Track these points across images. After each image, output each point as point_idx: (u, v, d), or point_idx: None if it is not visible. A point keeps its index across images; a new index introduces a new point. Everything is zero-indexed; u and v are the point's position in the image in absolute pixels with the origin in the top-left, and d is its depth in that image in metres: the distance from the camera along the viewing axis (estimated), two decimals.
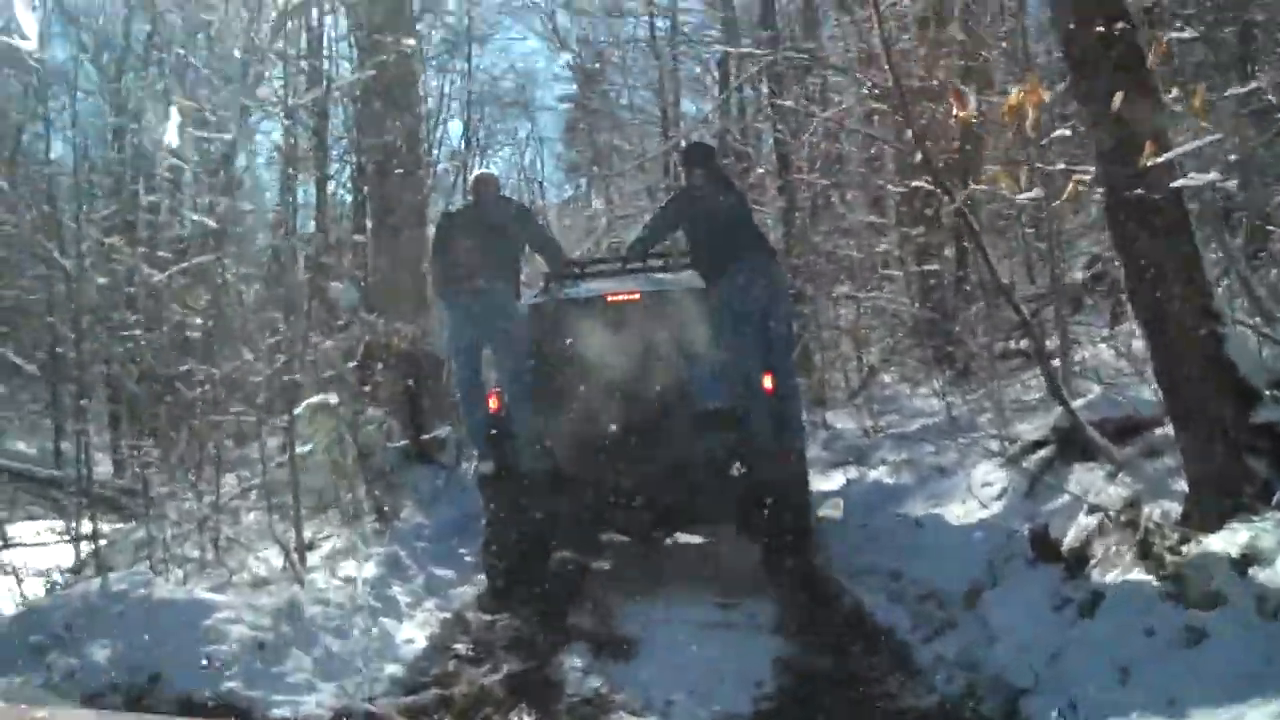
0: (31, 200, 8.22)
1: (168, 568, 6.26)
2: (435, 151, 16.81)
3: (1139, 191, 4.38)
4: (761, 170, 15.10)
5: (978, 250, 7.19)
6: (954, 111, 5.18)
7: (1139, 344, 5.91)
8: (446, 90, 16.49)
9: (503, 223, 7.00)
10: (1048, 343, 8.13)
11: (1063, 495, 5.79)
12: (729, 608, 6.14)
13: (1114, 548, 4.64)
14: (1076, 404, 6.25)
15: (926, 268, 11.75)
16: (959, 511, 7.17)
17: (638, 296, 6.91)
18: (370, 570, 6.33)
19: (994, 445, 7.64)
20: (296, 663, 4.87)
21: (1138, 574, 4.30)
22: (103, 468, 11.38)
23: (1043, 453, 6.49)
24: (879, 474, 9.28)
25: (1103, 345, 8.59)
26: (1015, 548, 5.38)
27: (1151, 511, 4.67)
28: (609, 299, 6.91)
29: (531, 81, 22.74)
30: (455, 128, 21.65)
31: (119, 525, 7.98)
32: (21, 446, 13.40)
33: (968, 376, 10.47)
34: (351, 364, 7.94)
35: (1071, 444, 6.17)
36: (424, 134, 12.11)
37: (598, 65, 20.05)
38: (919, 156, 6.45)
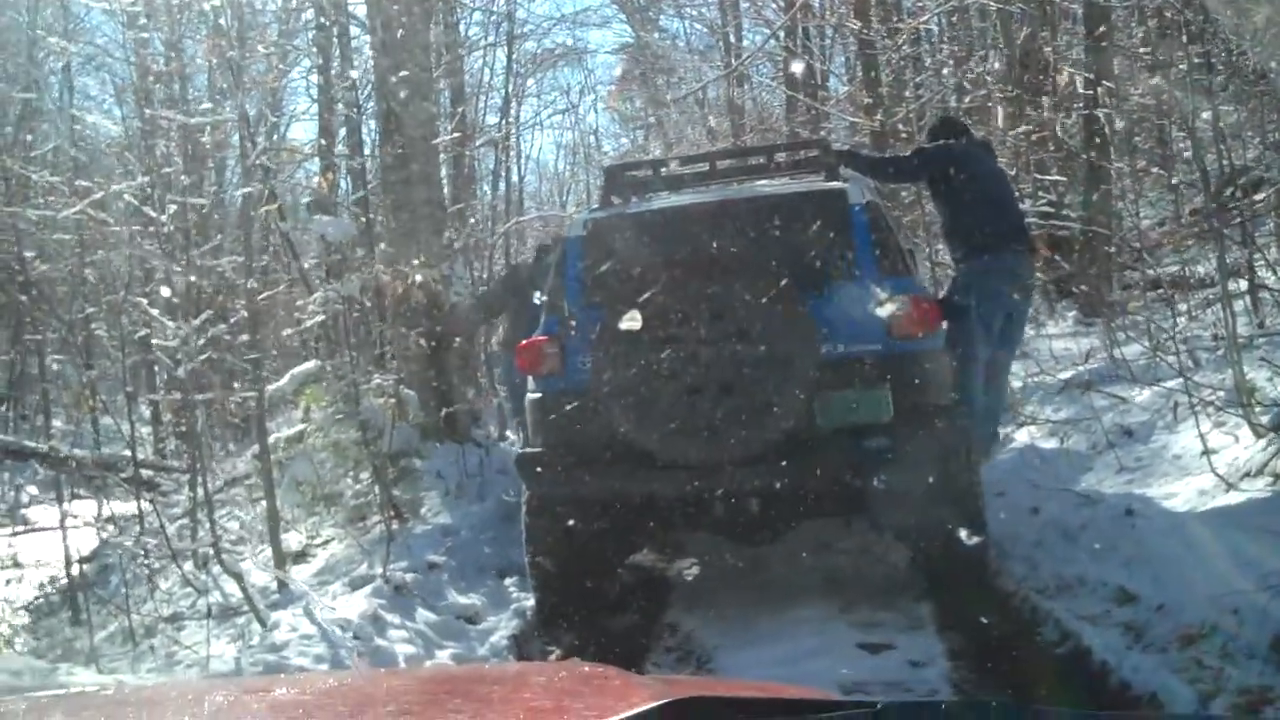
0: None
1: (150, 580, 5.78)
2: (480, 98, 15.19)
3: None
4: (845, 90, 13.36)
5: None
6: None
7: None
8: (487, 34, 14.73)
9: None
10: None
11: None
12: (879, 652, 4.21)
13: None
14: None
15: (1044, 177, 9.67)
16: (1184, 494, 5.12)
17: (739, 204, 5.01)
18: (361, 604, 4.48)
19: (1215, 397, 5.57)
20: None
21: None
22: (111, 447, 10.19)
23: None
24: (1030, 436, 7.21)
25: None
26: None
27: None
28: (698, 207, 5.04)
29: (583, 25, 20.58)
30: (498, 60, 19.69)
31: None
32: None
33: (1101, 311, 8.26)
34: (354, 315, 6.05)
35: None
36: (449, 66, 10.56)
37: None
38: None
